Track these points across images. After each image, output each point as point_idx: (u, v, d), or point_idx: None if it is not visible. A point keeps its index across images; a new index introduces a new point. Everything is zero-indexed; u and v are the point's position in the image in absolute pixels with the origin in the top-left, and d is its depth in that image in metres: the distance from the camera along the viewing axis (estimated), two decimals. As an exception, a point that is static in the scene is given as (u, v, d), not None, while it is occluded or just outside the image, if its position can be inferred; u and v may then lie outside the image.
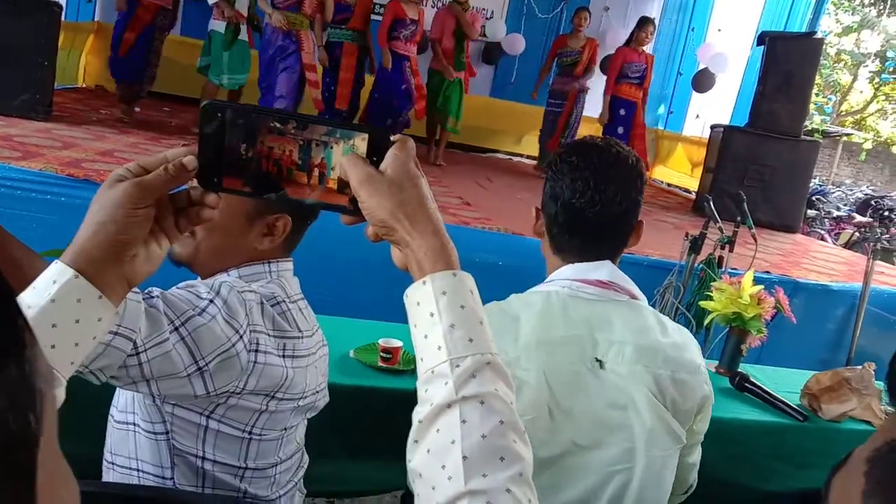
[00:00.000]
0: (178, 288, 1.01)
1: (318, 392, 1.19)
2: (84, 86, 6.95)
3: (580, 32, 6.60)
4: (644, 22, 6.56)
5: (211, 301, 0.99)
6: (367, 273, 2.95)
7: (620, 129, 6.53)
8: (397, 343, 1.78)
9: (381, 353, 1.76)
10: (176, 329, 0.93)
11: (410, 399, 1.71)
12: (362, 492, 1.80)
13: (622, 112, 6.58)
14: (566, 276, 1.22)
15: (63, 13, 5.06)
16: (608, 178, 1.18)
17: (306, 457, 1.26)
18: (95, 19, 7.18)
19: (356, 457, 1.69)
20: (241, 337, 0.99)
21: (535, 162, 7.32)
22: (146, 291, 0.94)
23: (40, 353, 0.28)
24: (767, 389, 2.03)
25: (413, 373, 1.77)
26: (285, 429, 1.12)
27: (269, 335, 1.05)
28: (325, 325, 1.57)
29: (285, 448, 1.15)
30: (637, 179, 1.22)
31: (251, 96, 6.06)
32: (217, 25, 5.20)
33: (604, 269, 1.22)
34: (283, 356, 1.07)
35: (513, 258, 3.35)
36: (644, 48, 6.57)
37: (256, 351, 1.01)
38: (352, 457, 1.68)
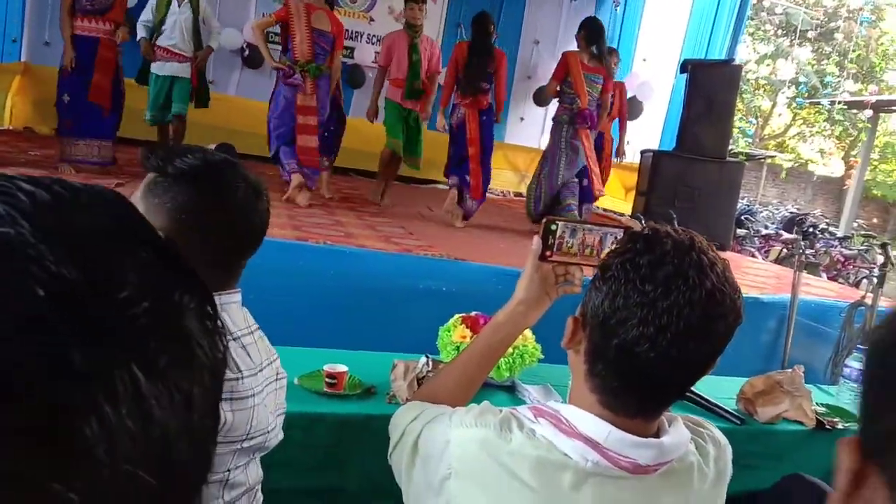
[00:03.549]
0: None
1: (268, 432, 1.13)
2: (10, 128, 6.75)
3: None
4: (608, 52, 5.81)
5: None
6: (312, 302, 2.94)
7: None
8: (343, 368, 1.77)
9: (326, 379, 1.75)
10: None
11: (356, 424, 1.71)
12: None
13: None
14: (595, 436, 0.91)
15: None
16: (696, 327, 0.85)
17: (260, 496, 1.21)
18: (22, 59, 7.00)
19: (302, 487, 1.66)
20: None
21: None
22: None
23: None
24: (705, 396, 2.10)
25: (358, 397, 1.77)
26: (228, 470, 1.08)
27: None
28: (269, 352, 1.57)
29: (230, 491, 1.10)
30: (734, 325, 0.89)
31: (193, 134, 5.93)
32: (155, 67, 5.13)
33: (650, 450, 0.91)
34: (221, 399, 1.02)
35: (456, 284, 3.38)
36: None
37: None
38: (297, 487, 1.65)
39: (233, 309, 1.13)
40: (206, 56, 5.25)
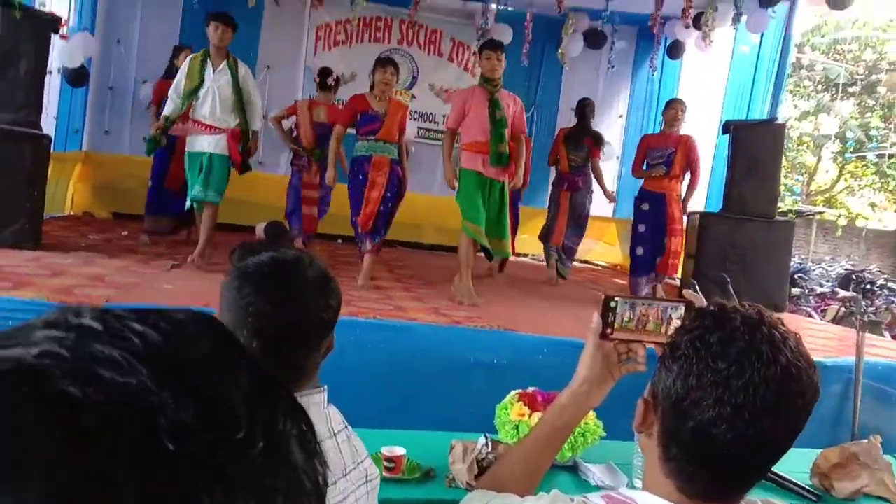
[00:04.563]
0: None
1: None
2: (72, 213, 7.06)
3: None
4: (669, 102, 5.99)
5: None
6: (364, 378, 2.93)
7: (642, 227, 5.75)
8: (400, 451, 1.75)
9: (385, 463, 1.72)
10: None
11: (417, 508, 1.67)
12: None
13: (645, 207, 5.74)
14: None
15: (52, 144, 5.21)
16: (773, 405, 0.83)
17: None
18: (83, 149, 7.38)
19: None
20: None
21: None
22: None
23: None
24: (777, 471, 2.01)
25: (417, 481, 1.74)
26: None
27: None
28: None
29: None
30: (812, 401, 0.86)
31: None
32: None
33: None
34: None
35: (507, 355, 3.35)
36: (673, 130, 5.80)
37: None
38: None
39: (313, 413, 1.09)
40: (254, 144, 4.80)
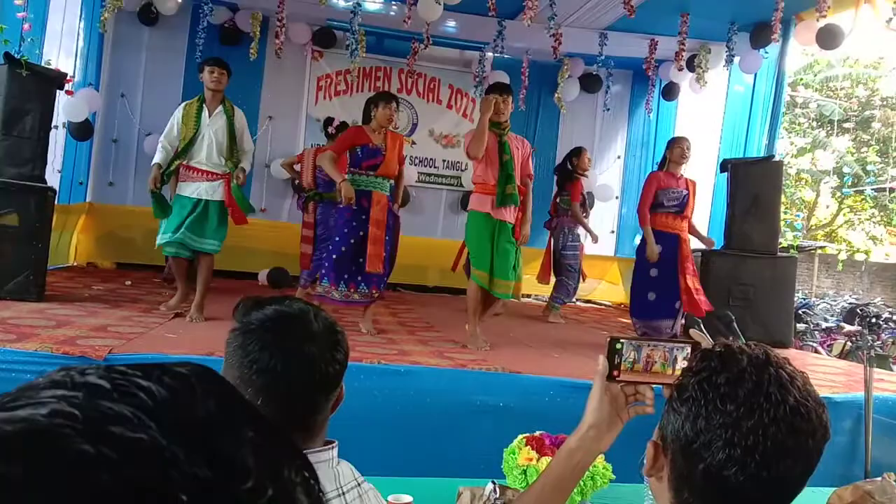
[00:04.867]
0: None
1: None
2: (75, 264, 7.09)
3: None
4: (675, 140, 5.59)
5: None
6: (369, 424, 2.91)
7: (654, 272, 5.29)
8: (407, 499, 1.73)
9: (393, 510, 1.70)
10: None
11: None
12: None
13: (658, 248, 5.32)
14: None
15: (56, 196, 5.26)
16: (783, 446, 0.83)
17: None
18: (87, 200, 7.44)
19: None
20: None
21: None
22: None
23: None
24: (790, 512, 1.97)
25: (427, 528, 1.71)
26: None
27: None
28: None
29: None
30: (822, 441, 0.86)
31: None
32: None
33: None
34: None
35: (513, 398, 3.32)
36: (680, 169, 5.48)
37: None
38: None
39: (321, 470, 1.07)
40: (242, 180, 4.57)
